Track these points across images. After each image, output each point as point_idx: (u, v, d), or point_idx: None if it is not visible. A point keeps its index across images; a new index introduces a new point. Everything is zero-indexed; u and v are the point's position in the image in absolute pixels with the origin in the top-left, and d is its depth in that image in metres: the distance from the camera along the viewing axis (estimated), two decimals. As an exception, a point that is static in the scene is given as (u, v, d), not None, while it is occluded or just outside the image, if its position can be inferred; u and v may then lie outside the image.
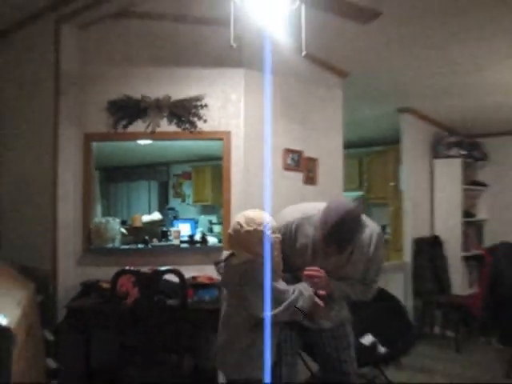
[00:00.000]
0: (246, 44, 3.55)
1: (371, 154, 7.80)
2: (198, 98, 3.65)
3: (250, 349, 2.37)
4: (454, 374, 4.62)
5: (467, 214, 6.50)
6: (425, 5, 3.21)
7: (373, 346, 3.64)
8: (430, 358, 4.99)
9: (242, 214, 2.39)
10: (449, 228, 6.27)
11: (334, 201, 2.36)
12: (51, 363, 3.23)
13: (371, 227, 2.48)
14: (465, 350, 5.32)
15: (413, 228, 6.03)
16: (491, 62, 4.26)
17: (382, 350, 3.62)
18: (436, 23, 3.50)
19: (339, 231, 2.24)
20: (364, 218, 2.44)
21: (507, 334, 4.59)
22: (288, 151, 4.07)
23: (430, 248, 6.03)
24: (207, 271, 3.57)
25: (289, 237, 2.45)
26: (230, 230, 2.41)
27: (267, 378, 2.33)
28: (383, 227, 7.70)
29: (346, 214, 2.24)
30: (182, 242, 3.87)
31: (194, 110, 3.64)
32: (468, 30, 3.58)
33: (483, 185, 6.95)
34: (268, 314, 2.28)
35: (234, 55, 3.54)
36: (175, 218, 7.21)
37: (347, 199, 2.51)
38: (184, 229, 4.76)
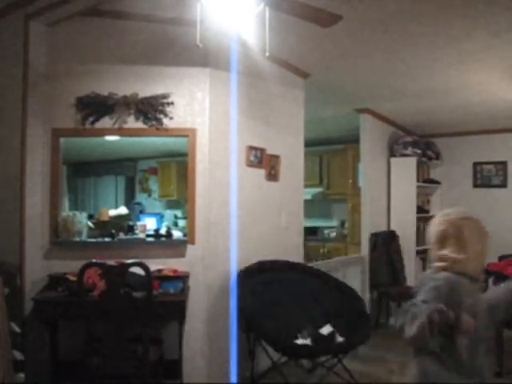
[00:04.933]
0: (211, 44, 3.62)
1: (331, 152, 8.00)
2: (164, 96, 3.71)
3: None
4: (406, 361, 4.85)
5: (421, 209, 6.77)
6: (383, 11, 3.33)
7: (331, 335, 3.75)
8: (384, 347, 5.18)
9: None
10: (404, 223, 6.51)
11: None
12: (18, 355, 3.25)
13: None
14: (417, 339, 5.58)
15: (370, 223, 6.21)
16: (443, 67, 4.45)
17: (340, 339, 3.73)
18: (393, 29, 3.63)
19: None
20: None
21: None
22: (251, 148, 4.17)
23: (386, 242, 6.22)
24: (172, 264, 3.66)
25: None
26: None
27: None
28: (342, 222, 7.93)
29: None
30: (147, 235, 3.90)
31: (160, 108, 3.69)
32: (423, 35, 3.73)
33: (436, 182, 7.25)
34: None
35: (200, 55, 3.61)
36: (141, 212, 7.24)
37: None
38: (150, 223, 4.79)
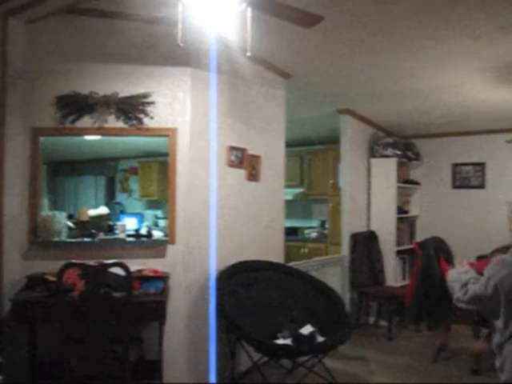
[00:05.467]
0: (193, 43, 3.60)
1: (312, 153, 8.01)
2: (145, 95, 3.69)
3: None
4: (386, 361, 4.91)
5: (401, 210, 6.83)
6: (363, 12, 3.35)
7: (312, 335, 3.76)
8: (364, 347, 5.25)
9: None
10: (384, 223, 6.55)
11: None
12: (-4, 357, 3.22)
13: None
14: (397, 338, 5.64)
15: (350, 223, 6.24)
16: (423, 69, 4.49)
17: (320, 339, 3.75)
18: (373, 30, 3.65)
19: None
20: None
21: (434, 321, 4.89)
22: (232, 148, 4.17)
23: (366, 242, 6.26)
24: (152, 264, 3.65)
25: None
26: None
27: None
28: (322, 222, 7.97)
29: None
30: (128, 235, 3.87)
31: (141, 107, 3.68)
32: (403, 37, 3.76)
33: (416, 183, 7.33)
34: None
35: (181, 54, 3.61)
36: (122, 212, 7.17)
37: None
38: (130, 223, 4.76)
